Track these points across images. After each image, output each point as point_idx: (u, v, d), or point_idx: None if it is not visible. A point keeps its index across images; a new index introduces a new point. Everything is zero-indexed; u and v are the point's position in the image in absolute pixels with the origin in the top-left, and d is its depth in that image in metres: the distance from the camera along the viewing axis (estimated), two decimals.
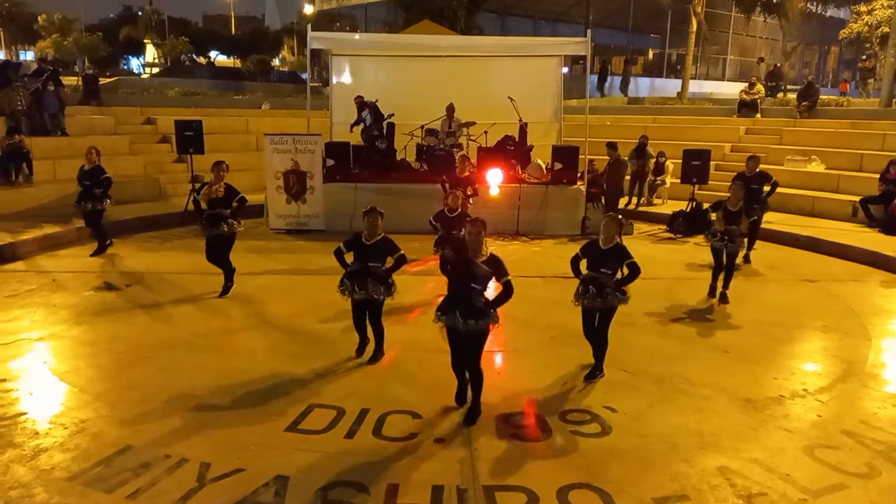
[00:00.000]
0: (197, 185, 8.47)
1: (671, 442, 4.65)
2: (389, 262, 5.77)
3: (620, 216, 5.77)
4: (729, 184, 8.58)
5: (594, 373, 5.67)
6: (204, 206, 7.64)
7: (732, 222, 7.63)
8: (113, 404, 5.07)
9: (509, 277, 4.78)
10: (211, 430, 4.72)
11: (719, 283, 7.90)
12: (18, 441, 4.51)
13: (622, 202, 12.70)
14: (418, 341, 6.46)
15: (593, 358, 5.75)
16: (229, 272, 7.88)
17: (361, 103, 12.39)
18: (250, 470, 4.20)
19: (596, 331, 5.64)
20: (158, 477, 4.12)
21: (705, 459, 4.43)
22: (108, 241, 9.74)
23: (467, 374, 4.98)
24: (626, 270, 5.52)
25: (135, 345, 6.33)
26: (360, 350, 6.03)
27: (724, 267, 7.80)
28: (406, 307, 7.25)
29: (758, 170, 9.64)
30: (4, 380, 5.46)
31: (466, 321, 4.68)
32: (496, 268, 4.76)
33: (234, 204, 7.60)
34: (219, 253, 7.79)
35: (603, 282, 5.46)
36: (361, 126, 12.58)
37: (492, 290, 4.94)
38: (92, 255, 9.44)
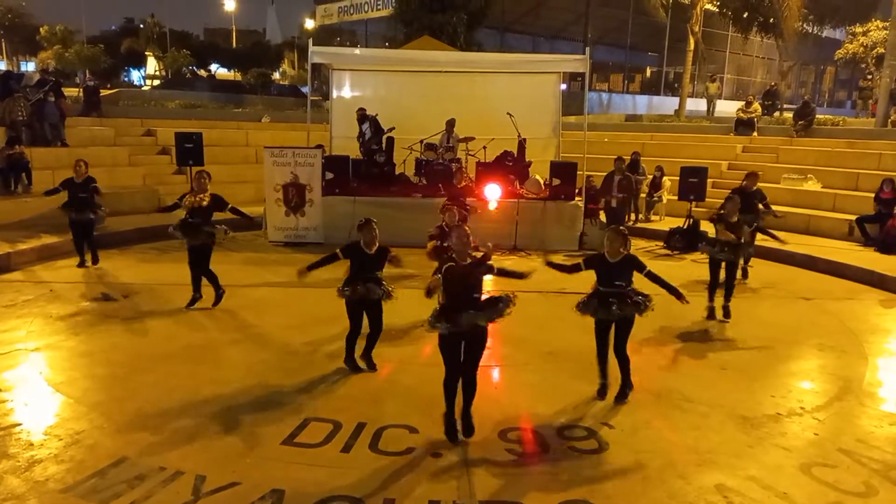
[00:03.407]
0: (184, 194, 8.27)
1: (668, 458, 4.64)
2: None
3: (622, 227, 5.70)
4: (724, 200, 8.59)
5: (623, 391, 5.53)
6: (184, 213, 7.49)
7: (732, 233, 7.60)
8: (108, 416, 5.05)
9: (497, 266, 4.83)
10: (207, 443, 4.70)
11: (717, 302, 7.82)
12: (13, 452, 4.49)
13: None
14: (415, 356, 6.46)
15: (599, 375, 5.66)
16: (215, 280, 7.76)
17: (363, 116, 12.47)
18: (246, 483, 4.18)
19: (616, 348, 5.48)
20: (153, 490, 4.10)
21: (702, 476, 4.42)
22: (94, 259, 9.50)
23: (459, 391, 4.81)
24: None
25: (131, 356, 6.31)
26: (350, 360, 6.03)
27: (725, 279, 7.73)
28: (402, 321, 7.24)
29: (756, 187, 9.70)
30: (0, 390, 5.43)
31: (473, 320, 4.60)
32: (486, 267, 4.73)
33: (227, 210, 7.56)
34: (201, 264, 7.65)
35: (622, 293, 5.35)
36: (360, 140, 12.66)
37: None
38: (78, 266, 9.32)
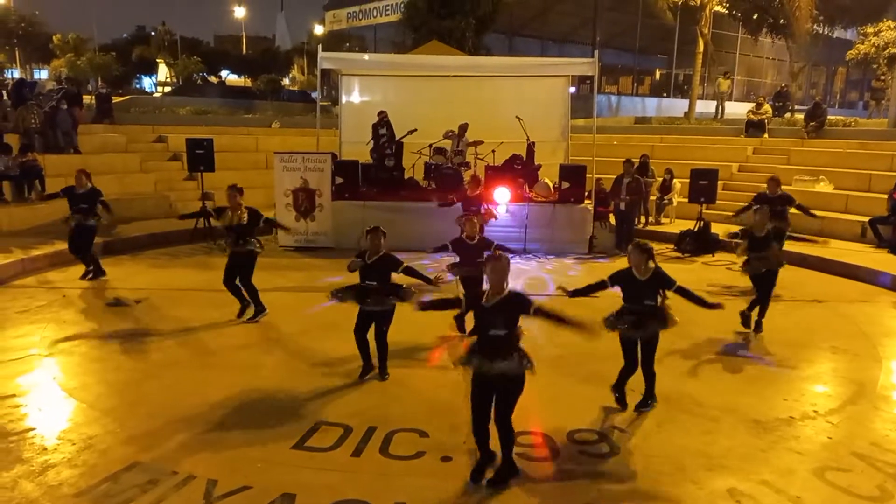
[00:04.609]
0: (210, 207, 8.12)
1: (679, 463, 4.62)
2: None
3: (644, 242, 5.42)
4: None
5: (645, 402, 5.43)
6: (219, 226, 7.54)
7: (760, 249, 7.23)
8: (121, 421, 5.09)
9: (536, 304, 4.25)
10: (218, 447, 4.73)
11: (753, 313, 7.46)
12: (27, 457, 4.53)
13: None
14: (424, 360, 6.47)
15: (614, 387, 5.52)
16: (255, 295, 7.62)
17: (382, 120, 12.51)
18: (257, 487, 4.20)
19: (643, 365, 5.33)
20: (165, 494, 4.12)
21: (714, 481, 4.39)
22: (91, 269, 9.22)
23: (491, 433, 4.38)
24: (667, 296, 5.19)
25: (143, 361, 6.37)
26: (364, 373, 5.98)
27: (761, 292, 7.35)
28: (412, 326, 7.24)
29: (779, 191, 9.56)
30: (14, 395, 5.49)
31: (495, 363, 4.15)
32: (521, 305, 4.23)
33: (262, 224, 7.54)
34: (244, 276, 7.51)
35: (651, 312, 5.17)
36: (371, 144, 12.71)
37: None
38: (83, 278, 9.09)
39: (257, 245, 7.49)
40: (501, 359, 4.15)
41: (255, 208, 7.56)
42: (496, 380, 4.19)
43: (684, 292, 5.19)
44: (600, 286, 5.31)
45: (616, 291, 5.31)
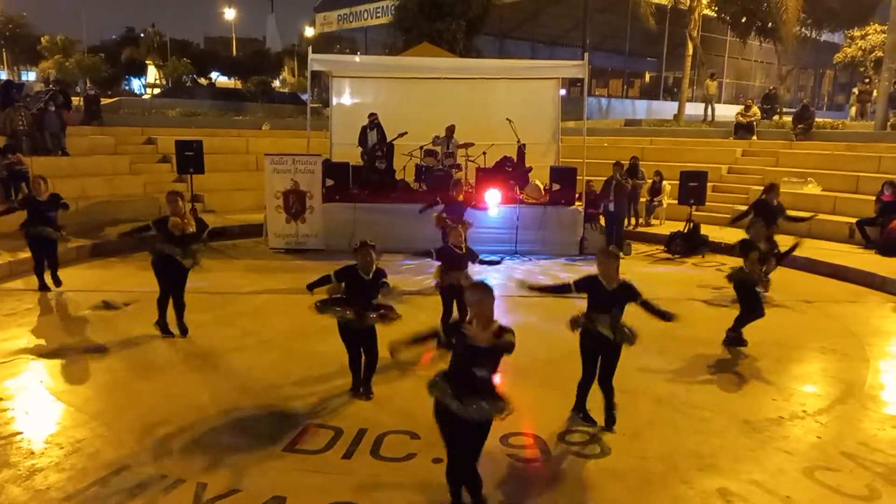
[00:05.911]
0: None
1: (671, 463, 4.64)
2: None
3: (610, 248, 5.21)
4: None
5: (612, 416, 5.14)
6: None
7: (764, 262, 7.12)
8: (109, 424, 5.05)
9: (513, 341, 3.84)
10: (207, 450, 4.69)
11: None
12: (14, 461, 4.49)
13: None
14: (415, 362, 6.44)
15: (576, 406, 5.34)
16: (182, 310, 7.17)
17: (373, 122, 12.50)
18: (247, 491, 4.18)
19: (603, 379, 5.11)
20: (154, 497, 4.09)
21: (705, 481, 4.41)
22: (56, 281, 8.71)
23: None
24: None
25: (132, 364, 6.32)
26: (354, 389, 5.75)
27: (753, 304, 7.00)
28: (402, 331, 7.22)
29: (777, 200, 9.43)
30: (1, 399, 5.43)
31: (471, 405, 3.76)
32: (508, 349, 3.84)
33: (205, 235, 7.06)
34: (180, 287, 7.10)
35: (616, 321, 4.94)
36: (363, 145, 12.69)
37: None
38: (40, 289, 8.56)
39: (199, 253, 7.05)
40: (481, 400, 3.78)
41: (201, 218, 7.16)
42: (472, 422, 3.78)
43: (648, 306, 5.01)
44: (564, 289, 5.14)
45: (580, 297, 5.13)
